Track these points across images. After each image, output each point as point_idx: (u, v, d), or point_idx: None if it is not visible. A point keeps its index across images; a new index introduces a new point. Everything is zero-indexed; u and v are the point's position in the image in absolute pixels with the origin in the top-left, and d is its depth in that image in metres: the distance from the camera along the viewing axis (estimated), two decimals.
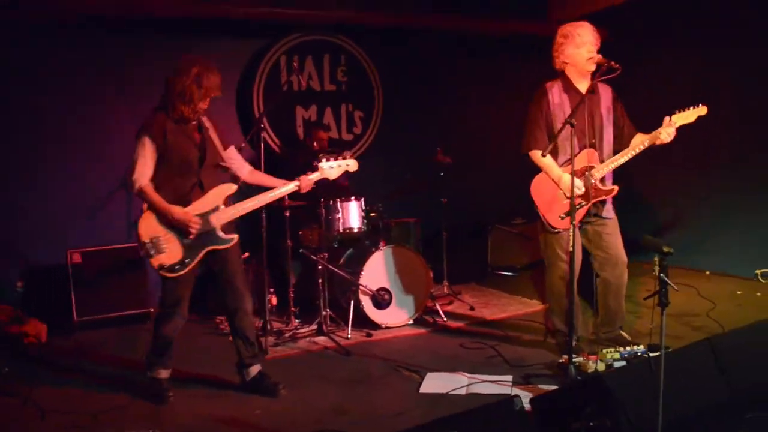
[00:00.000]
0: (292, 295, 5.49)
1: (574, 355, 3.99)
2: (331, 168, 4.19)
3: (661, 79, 7.00)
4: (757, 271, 6.22)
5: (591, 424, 2.68)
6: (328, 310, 5.33)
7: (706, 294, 5.88)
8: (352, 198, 5.41)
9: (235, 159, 4.14)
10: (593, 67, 4.14)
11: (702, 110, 4.11)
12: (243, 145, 4.95)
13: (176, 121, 3.81)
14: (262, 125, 5.10)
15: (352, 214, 5.39)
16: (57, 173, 6.05)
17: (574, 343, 4.44)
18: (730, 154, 6.57)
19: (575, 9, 7.46)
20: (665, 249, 2.62)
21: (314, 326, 5.27)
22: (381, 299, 5.29)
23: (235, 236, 3.95)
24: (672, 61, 7.02)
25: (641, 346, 4.11)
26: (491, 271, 7.25)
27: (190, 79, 3.73)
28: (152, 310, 5.87)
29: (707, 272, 6.78)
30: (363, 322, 5.28)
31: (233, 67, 6.64)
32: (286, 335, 5.18)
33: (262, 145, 4.91)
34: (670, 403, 2.76)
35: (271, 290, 5.67)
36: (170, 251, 3.79)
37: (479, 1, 7.33)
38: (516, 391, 3.87)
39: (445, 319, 5.49)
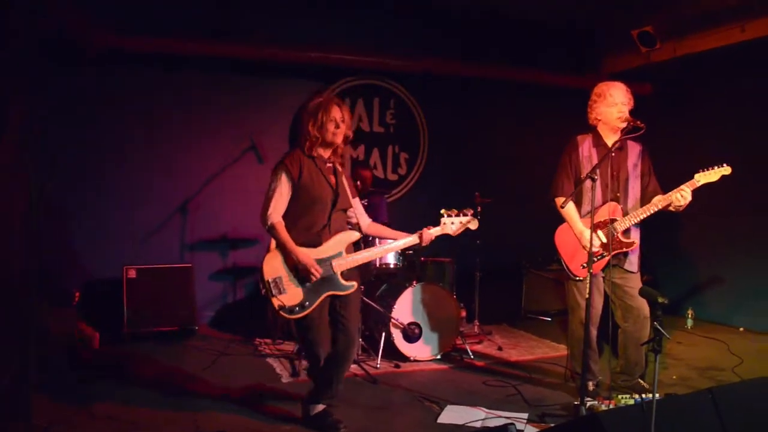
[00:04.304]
0: None
1: (590, 399, 4.16)
2: (453, 224, 4.15)
3: (698, 135, 7.15)
4: None
5: None
6: (360, 340, 5.60)
7: (736, 350, 5.95)
8: None
9: (358, 209, 4.17)
10: (623, 125, 4.33)
11: (726, 170, 4.22)
12: None
13: (312, 159, 3.87)
14: None
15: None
16: (120, 194, 6.54)
17: (592, 388, 4.63)
18: (766, 215, 6.65)
19: (621, 64, 7.68)
20: (660, 299, 2.80)
21: None
22: (411, 333, 5.52)
23: (355, 283, 3.94)
24: (711, 116, 7.18)
25: (657, 395, 4.22)
26: (525, 314, 7.40)
27: (309, 113, 3.84)
28: (197, 327, 6.25)
29: (741, 329, 6.85)
30: (393, 353, 5.51)
31: (288, 107, 7.01)
32: None
33: None
34: None
35: None
36: (291, 292, 3.81)
37: (529, 52, 7.60)
38: (530, 428, 4.04)
39: (471, 356, 5.69)
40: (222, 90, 6.80)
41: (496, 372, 5.35)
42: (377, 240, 5.26)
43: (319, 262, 3.82)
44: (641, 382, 4.67)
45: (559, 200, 4.41)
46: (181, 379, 5.00)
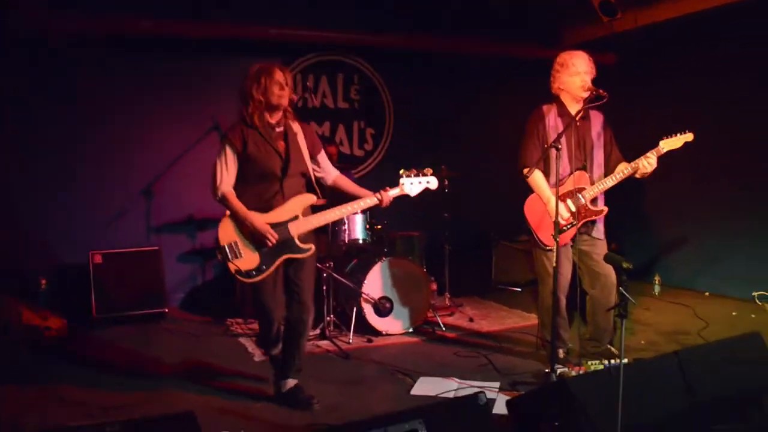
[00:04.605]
0: None
1: (560, 366, 4.22)
2: (411, 185, 4.10)
3: (663, 104, 7.23)
4: (755, 294, 6.38)
5: (555, 424, 2.91)
6: (332, 316, 5.61)
7: (702, 314, 6.06)
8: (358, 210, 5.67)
9: (323, 165, 4.16)
10: (586, 95, 4.34)
11: (688, 137, 4.29)
12: None
13: (256, 128, 3.85)
14: None
15: (358, 226, 5.65)
16: (82, 179, 6.42)
17: (562, 355, 4.68)
18: (731, 180, 6.75)
19: (585, 35, 7.69)
20: (625, 265, 2.83)
21: (318, 331, 5.53)
22: (382, 307, 5.54)
23: (312, 246, 3.95)
24: (675, 86, 7.25)
25: (626, 360, 4.29)
26: (495, 285, 7.47)
27: (250, 79, 3.81)
28: (167, 310, 6.20)
29: (706, 293, 6.97)
30: (365, 328, 5.53)
31: None
32: None
33: None
34: (634, 409, 2.97)
35: None
36: (247, 257, 3.84)
37: (490, 24, 7.58)
38: (501, 397, 4.07)
39: (443, 328, 5.74)
40: (183, 71, 6.67)
41: (468, 343, 5.40)
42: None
43: (275, 226, 3.83)
44: (610, 347, 4.72)
45: (526, 170, 4.43)
46: (152, 362, 4.97)
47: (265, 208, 3.86)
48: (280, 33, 6.65)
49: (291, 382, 4.10)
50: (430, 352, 5.20)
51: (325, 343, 5.34)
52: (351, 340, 5.39)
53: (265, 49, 6.82)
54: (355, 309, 5.54)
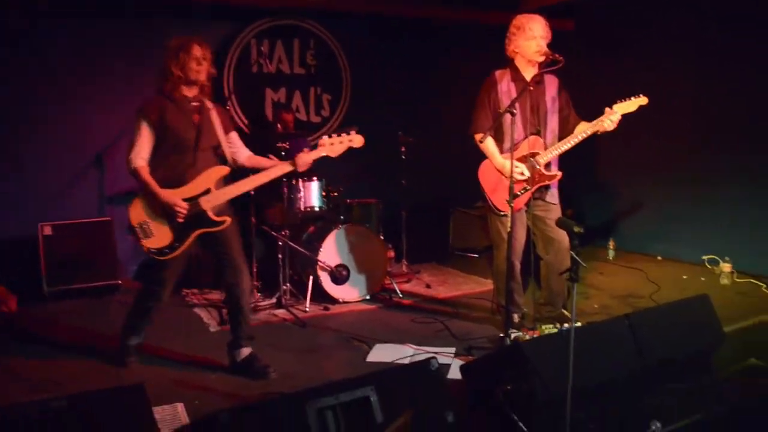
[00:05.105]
0: (255, 269, 5.70)
1: (514, 330, 4.27)
2: (332, 144, 4.05)
3: (621, 70, 7.25)
4: (704, 257, 6.48)
5: (509, 387, 2.94)
6: (288, 284, 5.58)
7: (654, 278, 6.18)
8: (314, 178, 5.62)
9: (235, 144, 4.17)
10: (541, 59, 4.31)
11: (642, 100, 4.30)
12: None
13: (173, 101, 3.87)
14: (228, 107, 5.26)
15: (314, 194, 5.60)
16: (30, 148, 6.20)
17: (517, 320, 4.73)
18: (684, 146, 6.82)
19: (546, 0, 7.65)
20: (576, 229, 2.83)
21: (274, 300, 5.49)
22: (339, 275, 5.52)
23: (227, 218, 3.96)
24: (632, 53, 7.27)
25: (578, 324, 4.35)
26: (452, 252, 7.50)
27: (169, 54, 3.85)
28: (120, 282, 6.08)
29: (659, 257, 7.10)
30: (321, 296, 5.51)
31: None
32: None
33: None
34: (587, 371, 3.01)
35: None
36: (159, 235, 3.86)
37: None
38: (456, 361, 4.12)
39: (400, 295, 5.75)
40: (131, 36, 6.46)
41: (425, 309, 5.42)
42: None
43: (187, 200, 3.84)
44: (564, 311, 4.78)
45: (478, 136, 4.42)
46: (105, 335, 4.87)
47: (179, 180, 3.87)
48: None
49: (245, 351, 4.10)
50: (387, 318, 5.21)
51: (281, 312, 5.31)
52: (308, 309, 5.37)
53: (219, 13, 6.68)
54: (311, 277, 5.51)
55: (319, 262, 5.42)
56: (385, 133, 6.58)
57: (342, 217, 5.85)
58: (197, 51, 3.85)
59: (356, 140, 4.10)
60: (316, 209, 5.64)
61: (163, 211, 3.84)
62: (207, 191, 3.90)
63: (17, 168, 6.16)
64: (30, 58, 6.13)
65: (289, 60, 7.17)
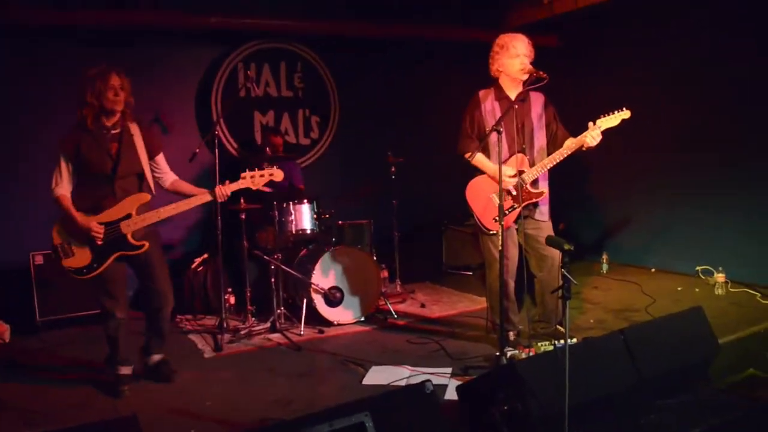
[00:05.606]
0: (248, 294, 5.67)
1: (510, 348, 4.25)
2: (253, 178, 4.34)
3: (605, 84, 7.28)
4: (698, 268, 6.48)
5: (505, 407, 2.92)
6: (282, 308, 5.56)
7: (649, 290, 6.16)
8: (305, 200, 5.61)
9: (162, 167, 4.32)
10: (525, 77, 4.32)
11: (625, 114, 4.31)
12: (197, 150, 5.17)
13: (89, 132, 3.99)
14: (217, 131, 5.26)
15: (305, 216, 5.60)
16: (20, 177, 6.17)
17: (513, 337, 4.71)
18: (674, 159, 6.83)
19: (527, 16, 7.71)
20: (566, 247, 2.84)
21: (268, 324, 5.46)
22: (333, 297, 5.50)
23: (146, 243, 4.10)
24: (617, 67, 7.31)
25: (574, 340, 4.34)
26: (446, 270, 7.49)
27: (86, 82, 3.95)
28: None
29: (652, 269, 7.09)
30: (316, 319, 5.48)
31: (193, 74, 6.85)
32: (242, 332, 5.34)
33: (216, 150, 5.15)
34: (583, 388, 3.00)
35: (229, 290, 5.83)
36: (80, 255, 4.05)
37: (433, 9, 7.54)
38: (453, 382, 4.08)
39: (395, 316, 5.72)
40: (123, 61, 6.45)
41: (420, 329, 5.40)
42: None
43: (107, 225, 4.02)
44: (559, 328, 4.78)
45: (467, 155, 4.41)
46: (99, 364, 4.82)
47: (98, 207, 4.05)
48: (222, 21, 6.51)
49: (157, 357, 4.46)
50: (382, 340, 5.19)
51: (276, 336, 5.28)
52: (302, 332, 5.34)
53: (207, 38, 6.71)
54: (305, 300, 5.49)
55: (312, 285, 5.40)
56: (374, 153, 6.61)
57: (334, 239, 5.85)
58: (115, 80, 3.96)
59: (276, 174, 4.41)
60: (308, 232, 5.65)
61: (84, 235, 4.02)
62: (128, 216, 4.06)
63: (7, 197, 6.14)
64: (19, 87, 6.15)
65: (276, 83, 7.19)
